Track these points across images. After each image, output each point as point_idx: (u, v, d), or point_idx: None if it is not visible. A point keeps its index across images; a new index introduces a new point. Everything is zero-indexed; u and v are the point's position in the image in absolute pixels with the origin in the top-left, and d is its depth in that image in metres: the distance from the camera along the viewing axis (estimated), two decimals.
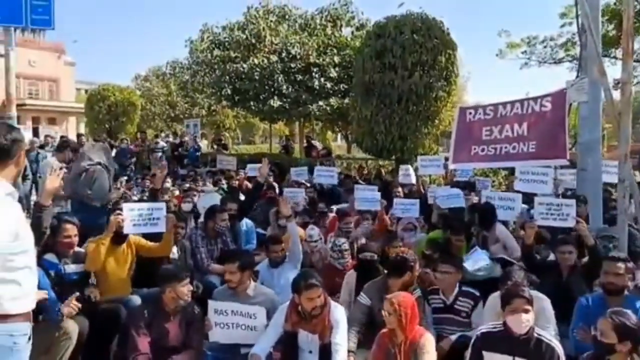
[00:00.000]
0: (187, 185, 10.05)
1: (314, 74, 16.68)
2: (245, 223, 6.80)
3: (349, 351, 3.93)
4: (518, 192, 6.56)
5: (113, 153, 12.36)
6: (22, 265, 2.44)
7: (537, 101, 6.63)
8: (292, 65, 16.59)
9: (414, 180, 9.12)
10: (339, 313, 3.97)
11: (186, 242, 5.81)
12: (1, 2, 7.60)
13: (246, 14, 18.11)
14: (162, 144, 16.40)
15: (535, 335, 3.35)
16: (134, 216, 4.80)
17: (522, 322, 3.30)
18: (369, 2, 18.85)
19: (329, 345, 3.81)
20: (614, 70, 18.74)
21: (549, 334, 3.51)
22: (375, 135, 12.62)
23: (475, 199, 7.47)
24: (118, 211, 4.90)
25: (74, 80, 38.50)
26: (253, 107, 17.52)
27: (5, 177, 2.49)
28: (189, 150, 15.80)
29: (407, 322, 3.54)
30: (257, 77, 16.44)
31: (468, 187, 8.59)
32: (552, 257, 5.15)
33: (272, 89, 16.68)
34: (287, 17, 18.48)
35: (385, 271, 4.73)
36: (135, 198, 8.72)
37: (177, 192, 9.33)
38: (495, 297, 4.02)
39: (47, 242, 4.26)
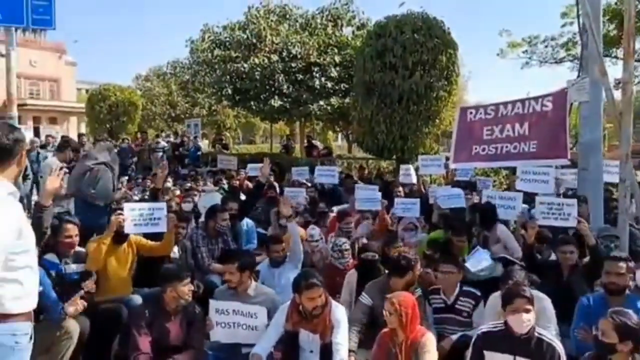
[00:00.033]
0: (188, 185, 10.06)
1: (314, 73, 16.67)
2: (246, 223, 6.80)
3: (349, 351, 3.93)
4: (519, 191, 6.55)
5: None
6: (23, 264, 2.45)
7: (538, 101, 6.64)
8: (293, 64, 16.58)
9: (414, 180, 9.12)
10: (339, 313, 3.97)
11: (187, 241, 5.82)
12: (2, 2, 7.60)
13: (247, 13, 18.11)
14: (163, 143, 16.41)
15: (536, 334, 3.35)
16: (135, 216, 4.81)
17: (523, 322, 3.30)
18: (370, 1, 18.86)
19: (330, 345, 3.81)
20: (615, 70, 18.70)
21: (550, 334, 3.51)
22: (376, 135, 12.62)
23: (476, 199, 7.46)
24: (119, 211, 4.91)
25: (74, 80, 38.53)
26: (254, 107, 17.51)
27: (6, 176, 2.50)
28: (189, 150, 15.82)
29: (408, 322, 3.55)
30: (257, 77, 16.43)
31: (469, 186, 8.58)
32: (553, 256, 5.15)
33: (273, 89, 16.68)
34: (287, 16, 18.46)
35: (386, 271, 4.74)
36: (136, 198, 8.72)
37: (178, 192, 9.33)
38: (496, 297, 4.02)
39: (48, 242, 4.27)
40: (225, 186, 10.00)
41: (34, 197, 10.06)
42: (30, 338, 2.54)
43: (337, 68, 16.72)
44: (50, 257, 4.44)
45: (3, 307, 2.39)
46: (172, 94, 31.60)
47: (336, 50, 16.96)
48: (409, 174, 9.22)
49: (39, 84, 35.09)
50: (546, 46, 18.85)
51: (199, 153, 16.01)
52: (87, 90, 36.08)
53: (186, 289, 3.97)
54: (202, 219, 6.52)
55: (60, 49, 35.46)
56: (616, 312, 3.12)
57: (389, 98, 12.26)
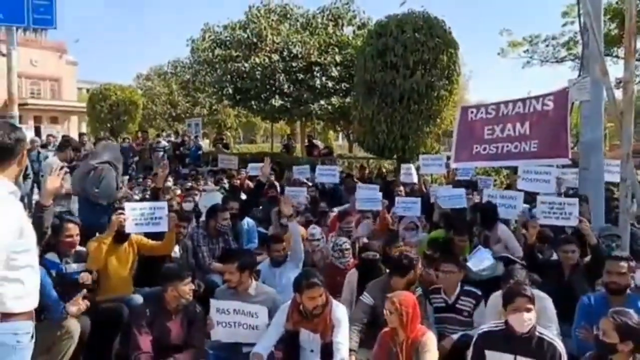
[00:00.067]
0: (189, 184, 10.07)
1: (315, 73, 16.68)
2: (247, 222, 6.80)
3: (350, 350, 3.92)
4: (520, 191, 6.55)
5: None
6: (24, 264, 2.45)
7: (539, 100, 6.63)
8: (294, 64, 16.59)
9: (415, 180, 9.12)
10: (340, 312, 3.97)
11: (188, 241, 5.82)
12: (3, 1, 7.60)
13: (247, 13, 18.12)
14: (163, 143, 16.42)
15: (537, 333, 3.35)
16: (136, 215, 4.81)
17: (524, 321, 3.29)
18: (371, 1, 18.89)
19: (331, 345, 3.81)
20: (616, 69, 18.67)
21: (551, 333, 3.51)
22: (376, 135, 12.62)
23: (477, 198, 7.46)
24: (120, 210, 4.91)
25: (75, 80, 38.56)
26: (254, 107, 17.53)
27: (7, 176, 2.50)
28: (190, 150, 15.83)
29: (409, 321, 3.55)
30: (258, 76, 16.44)
31: (470, 186, 8.58)
32: (554, 256, 5.15)
33: (274, 88, 16.69)
34: (288, 16, 18.47)
35: (387, 270, 4.74)
36: (137, 197, 8.73)
37: (178, 191, 9.34)
38: (497, 296, 4.02)
39: (49, 242, 4.27)
40: (226, 185, 10.00)
41: (35, 197, 10.06)
42: (32, 337, 2.54)
43: (338, 67, 16.73)
44: (51, 256, 4.44)
45: (4, 306, 2.39)
46: (172, 93, 31.64)
47: (337, 50, 16.97)
48: (410, 173, 9.22)
49: (39, 84, 35.12)
50: (547, 45, 18.82)
51: (200, 152, 16.02)
52: (88, 90, 36.11)
53: (187, 288, 3.98)
54: (202, 218, 6.52)
55: (61, 49, 35.49)
56: (617, 312, 3.12)
57: (389, 97, 12.26)
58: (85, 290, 4.15)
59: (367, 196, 7.13)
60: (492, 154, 6.90)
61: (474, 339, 3.55)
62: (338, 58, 16.73)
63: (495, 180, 11.01)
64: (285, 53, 16.71)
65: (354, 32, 18.14)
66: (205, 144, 20.40)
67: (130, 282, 4.97)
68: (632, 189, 5.36)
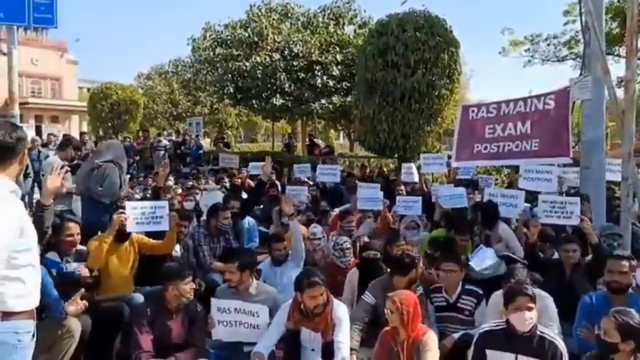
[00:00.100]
0: (190, 183, 10.07)
1: (316, 72, 16.67)
2: (248, 221, 6.80)
3: (351, 349, 3.92)
4: (521, 190, 6.55)
5: None
6: (25, 263, 2.46)
7: (540, 99, 6.62)
8: (295, 63, 16.59)
9: (416, 179, 9.11)
10: (341, 311, 3.97)
11: (189, 240, 5.82)
12: (4, 0, 7.61)
13: (248, 12, 18.12)
14: (164, 142, 16.42)
15: (538, 332, 3.34)
16: (137, 214, 4.81)
17: (525, 320, 3.29)
18: None
19: (332, 344, 3.81)
20: (617, 68, 18.61)
21: (553, 332, 3.50)
22: (377, 134, 12.60)
23: (477, 198, 7.45)
24: (121, 209, 4.91)
25: (76, 79, 38.59)
26: (255, 106, 17.52)
27: (8, 175, 2.51)
28: (191, 149, 15.83)
29: (410, 320, 3.55)
30: (259, 75, 16.44)
31: (471, 185, 8.57)
32: (556, 255, 5.15)
33: (275, 87, 16.68)
34: (289, 15, 18.47)
35: (388, 269, 4.73)
36: (138, 196, 8.73)
37: (179, 190, 9.34)
38: (498, 296, 4.01)
39: (50, 241, 4.27)
40: (227, 185, 10.00)
41: (36, 196, 10.07)
42: (33, 336, 2.55)
43: (339, 66, 16.73)
44: (52, 255, 4.44)
45: (5, 305, 2.39)
46: (173, 92, 31.63)
47: (338, 49, 16.96)
48: (411, 172, 9.21)
49: (40, 83, 35.15)
50: (548, 44, 18.79)
51: (201, 151, 16.01)
52: (88, 89, 36.11)
53: (188, 287, 3.98)
54: (203, 217, 6.52)
55: (61, 48, 35.52)
56: (618, 312, 3.11)
57: (390, 96, 12.24)
58: (83, 290, 4.15)
59: (368, 196, 7.12)
60: (493, 153, 6.89)
61: (475, 338, 3.54)
62: (339, 57, 16.72)
63: (496, 179, 10.98)
64: (286, 52, 16.70)
65: (355, 31, 18.14)
66: (206, 143, 20.40)
67: (131, 281, 4.97)
68: (634, 188, 5.36)
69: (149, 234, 5.14)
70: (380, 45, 12.34)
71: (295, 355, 3.96)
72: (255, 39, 17.12)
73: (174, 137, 18.30)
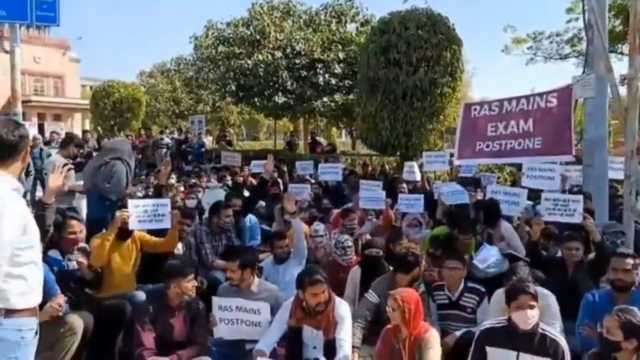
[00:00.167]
0: (192, 181, 10.07)
1: (318, 70, 16.67)
2: (250, 219, 6.80)
3: (353, 347, 3.93)
4: (525, 188, 6.54)
5: None
6: (28, 260, 2.46)
7: (542, 97, 6.60)
8: (297, 61, 16.58)
9: (418, 177, 9.11)
10: (343, 309, 3.97)
11: (191, 238, 5.83)
12: None
13: (250, 10, 18.12)
14: (167, 140, 16.44)
15: (540, 330, 3.34)
16: (139, 212, 4.81)
17: (527, 318, 3.29)
18: None
19: (334, 341, 3.81)
20: (620, 66, 18.58)
21: (554, 330, 3.50)
22: (379, 132, 12.59)
23: (480, 196, 7.44)
24: (123, 208, 4.91)
25: (79, 77, 38.65)
26: (257, 104, 17.53)
27: (11, 172, 2.51)
28: (193, 147, 15.85)
29: (411, 318, 3.54)
30: (261, 73, 16.44)
31: (473, 183, 8.57)
32: (559, 253, 5.14)
33: (277, 85, 16.68)
34: (291, 13, 18.47)
35: (391, 267, 4.73)
36: (140, 194, 8.74)
37: (182, 188, 9.35)
38: (500, 294, 4.00)
39: (52, 239, 4.27)
40: (229, 183, 10.01)
41: (38, 194, 10.09)
42: (36, 333, 2.55)
43: (341, 64, 16.72)
44: (53, 253, 4.45)
45: (9, 303, 2.40)
46: (176, 90, 31.64)
47: (340, 47, 16.95)
48: (412, 171, 9.21)
49: (43, 81, 35.19)
50: (551, 42, 18.78)
51: (203, 149, 16.04)
52: (91, 87, 36.19)
53: (190, 285, 3.98)
54: (206, 215, 6.52)
55: (64, 46, 35.56)
56: (621, 310, 3.11)
57: (393, 94, 12.23)
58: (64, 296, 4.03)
59: (370, 195, 7.11)
60: (496, 150, 6.87)
61: (476, 335, 3.54)
62: (341, 55, 16.71)
63: (498, 177, 10.98)
64: (288, 50, 16.70)
65: (357, 29, 18.13)
66: (208, 141, 20.42)
67: (133, 279, 4.98)
68: (637, 186, 5.35)
69: (151, 232, 5.14)
70: (383, 43, 12.32)
71: (297, 353, 3.96)
72: (258, 37, 17.11)
73: (176, 135, 18.33)
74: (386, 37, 12.31)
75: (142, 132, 18.28)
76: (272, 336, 3.95)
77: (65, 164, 4.48)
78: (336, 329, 3.85)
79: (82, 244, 4.74)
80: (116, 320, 4.42)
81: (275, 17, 17.73)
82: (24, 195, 2.90)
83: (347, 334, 3.87)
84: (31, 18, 7.76)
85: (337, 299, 4.05)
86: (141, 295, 4.67)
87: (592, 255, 4.89)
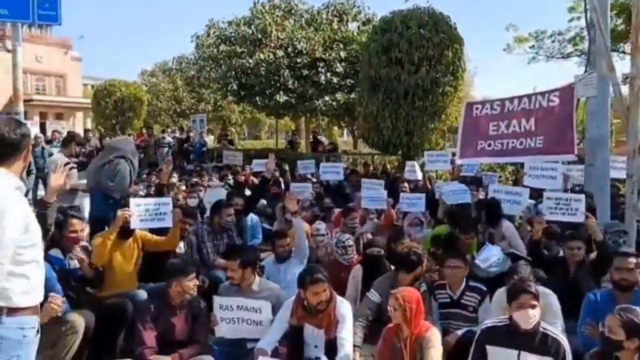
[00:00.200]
0: (194, 180, 10.08)
1: (320, 69, 16.66)
2: (251, 218, 6.81)
3: (354, 346, 3.93)
4: (526, 187, 6.53)
5: None
6: (30, 259, 2.47)
7: (544, 96, 6.59)
8: (298, 60, 16.58)
9: (419, 177, 9.10)
10: (344, 308, 3.97)
11: (192, 237, 5.83)
12: None
13: (252, 9, 18.11)
14: (168, 139, 16.45)
15: (541, 329, 3.34)
16: (141, 211, 4.81)
17: (529, 318, 3.29)
18: None
19: (335, 340, 3.82)
20: (622, 65, 18.55)
21: (556, 329, 3.50)
22: (381, 131, 12.59)
23: (481, 195, 7.43)
24: (126, 206, 4.92)
25: (80, 76, 38.62)
26: (259, 103, 17.53)
27: (13, 171, 2.52)
28: (195, 146, 15.86)
29: (412, 317, 3.54)
30: (263, 72, 16.45)
31: (475, 182, 8.56)
32: (561, 252, 5.13)
33: (278, 84, 16.69)
34: (293, 12, 18.45)
35: (392, 266, 4.73)
36: (141, 193, 8.75)
37: (183, 187, 9.35)
38: (501, 292, 4.00)
39: (53, 237, 4.28)
40: (231, 182, 10.01)
41: (40, 193, 10.11)
42: (37, 332, 2.56)
43: (343, 63, 16.71)
44: (55, 252, 4.45)
45: (11, 301, 2.40)
46: (177, 89, 31.66)
47: (342, 46, 16.95)
48: (413, 170, 9.20)
49: (45, 80, 35.19)
50: (553, 41, 18.76)
51: (205, 149, 16.06)
52: (92, 86, 36.18)
53: (191, 283, 3.99)
54: (207, 214, 6.52)
55: (66, 45, 35.55)
56: (623, 309, 3.10)
57: (394, 93, 12.23)
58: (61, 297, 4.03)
59: (372, 194, 7.10)
60: (497, 150, 6.87)
61: (477, 334, 3.54)
62: (343, 54, 16.70)
63: (500, 177, 10.98)
64: (289, 49, 16.69)
65: (358, 28, 18.12)
66: (210, 140, 20.43)
67: (135, 278, 4.98)
68: (639, 185, 5.34)
69: (152, 231, 5.15)
70: (384, 42, 12.32)
71: (298, 352, 3.96)
72: (259, 36, 17.11)
73: (177, 134, 18.35)
74: (388, 36, 12.31)
75: (144, 131, 18.30)
76: (274, 335, 3.95)
77: (67, 163, 4.49)
78: (337, 328, 3.85)
79: (84, 243, 4.74)
80: (117, 319, 4.42)
81: (277, 16, 17.72)
82: (26, 194, 2.91)
83: (348, 333, 3.87)
84: (33, 17, 7.77)
85: (339, 298, 4.05)
86: (143, 294, 4.68)
87: (593, 255, 4.88)
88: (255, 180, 8.82)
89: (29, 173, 9.44)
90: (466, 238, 5.58)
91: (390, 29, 12.40)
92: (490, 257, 5.02)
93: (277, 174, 9.47)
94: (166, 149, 15.50)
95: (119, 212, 4.79)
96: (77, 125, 32.24)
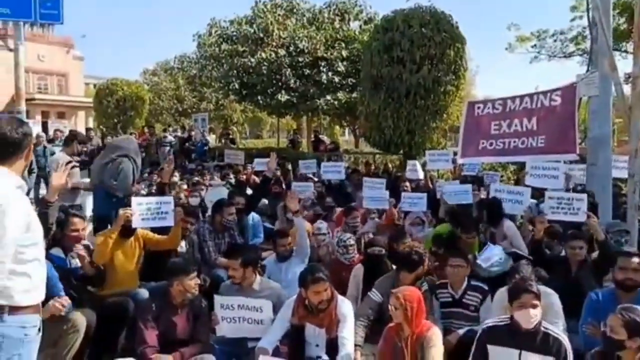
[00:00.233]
0: (195, 179, 10.09)
1: (321, 68, 16.64)
2: (252, 217, 6.81)
3: (355, 345, 3.93)
4: (528, 187, 6.52)
5: None
6: (31, 257, 2.47)
7: (546, 95, 6.59)
8: (300, 59, 16.56)
9: (421, 176, 9.10)
10: (346, 307, 3.97)
11: (194, 236, 5.83)
12: None
13: (254, 8, 18.08)
14: (170, 138, 16.45)
15: (542, 329, 3.34)
16: (143, 210, 4.82)
17: (530, 317, 3.28)
18: None
19: (336, 339, 3.82)
20: (624, 64, 18.59)
21: (557, 329, 3.49)
22: (383, 130, 12.58)
23: (483, 195, 7.43)
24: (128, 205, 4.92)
25: (82, 75, 38.64)
26: (261, 102, 17.53)
27: (15, 170, 2.52)
28: (197, 145, 15.86)
29: (413, 316, 3.54)
30: (264, 71, 16.43)
31: (476, 181, 8.56)
32: (563, 252, 5.12)
33: (280, 83, 16.68)
34: (295, 11, 18.43)
35: (394, 266, 4.72)
36: (143, 192, 8.76)
37: (185, 186, 9.36)
38: (503, 292, 4.00)
39: (55, 236, 4.29)
40: (232, 180, 10.02)
41: (42, 192, 10.12)
42: (39, 330, 2.56)
43: (345, 62, 16.68)
44: (56, 251, 4.46)
45: (13, 300, 2.41)
46: (179, 88, 31.63)
47: (343, 45, 16.92)
48: (415, 169, 9.20)
49: (47, 79, 35.23)
50: (555, 40, 18.74)
51: (206, 148, 16.06)
52: (94, 85, 36.21)
53: (193, 282, 3.99)
54: (208, 213, 6.53)
55: (68, 44, 35.58)
56: (625, 309, 3.10)
57: (396, 92, 12.22)
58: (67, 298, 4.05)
59: (374, 194, 7.10)
60: (499, 149, 6.87)
61: (478, 334, 3.54)
62: (344, 53, 16.68)
63: (502, 176, 10.97)
64: (291, 48, 16.67)
65: (360, 27, 18.08)
66: (211, 139, 20.44)
67: (137, 277, 4.99)
68: None
69: (154, 230, 5.15)
70: (386, 41, 12.31)
71: (299, 351, 3.96)
72: (261, 35, 17.09)
73: (179, 133, 18.35)
74: (389, 35, 12.29)
75: (146, 130, 18.31)
76: (275, 334, 3.95)
77: (69, 162, 4.49)
78: (339, 327, 3.85)
79: (86, 241, 4.75)
80: (119, 317, 4.43)
81: (279, 15, 17.70)
82: (27, 193, 2.92)
83: (349, 332, 3.87)
84: (35, 16, 7.79)
85: (340, 297, 4.05)
86: (144, 293, 4.69)
87: (595, 254, 4.87)
88: (257, 180, 8.83)
89: (30, 172, 9.46)
90: (468, 238, 5.57)
91: (392, 28, 12.39)
92: (492, 256, 5.01)
93: (278, 173, 9.47)
94: (168, 147, 15.50)
95: (121, 211, 4.79)
96: (79, 124, 32.25)
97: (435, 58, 12.10)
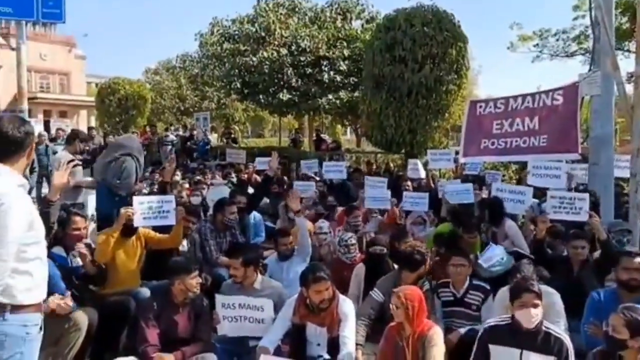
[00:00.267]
0: (197, 178, 10.10)
1: (323, 67, 16.66)
2: (254, 216, 6.81)
3: (357, 344, 3.93)
4: (530, 186, 6.51)
5: None
6: (33, 256, 2.48)
7: (548, 95, 6.58)
8: (302, 58, 16.57)
9: (422, 175, 9.08)
10: (347, 306, 3.97)
11: (195, 235, 5.84)
12: None
13: (256, 7, 18.09)
14: (172, 137, 16.46)
15: (544, 328, 3.33)
16: (144, 209, 4.82)
17: (531, 317, 3.28)
18: None
19: (337, 338, 3.81)
20: (627, 64, 18.55)
21: (558, 328, 3.49)
22: (384, 129, 12.57)
23: (484, 194, 7.42)
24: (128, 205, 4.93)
25: (84, 74, 38.72)
26: (262, 101, 17.54)
27: (17, 169, 2.53)
28: (198, 144, 15.87)
29: (415, 316, 3.54)
30: (266, 71, 16.44)
31: (478, 181, 8.55)
32: (565, 252, 5.11)
33: (282, 83, 16.68)
34: (296, 10, 18.43)
35: (395, 265, 4.72)
36: (145, 191, 8.77)
37: (186, 185, 9.37)
38: (504, 291, 4.00)
39: (56, 235, 4.29)
40: (234, 180, 10.02)
41: (44, 190, 10.12)
42: (40, 329, 2.57)
43: (346, 62, 16.69)
44: (57, 250, 4.46)
45: (15, 299, 2.41)
46: (181, 87, 31.65)
47: (345, 44, 16.92)
48: (416, 168, 9.18)
49: (49, 78, 35.31)
50: (557, 39, 18.71)
51: (208, 147, 16.07)
52: (96, 84, 36.19)
53: (194, 281, 3.98)
54: (210, 212, 6.53)
55: (70, 43, 35.65)
56: (627, 308, 3.09)
57: (398, 92, 12.20)
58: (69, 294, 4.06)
59: (376, 195, 7.09)
60: (501, 148, 6.86)
61: (479, 333, 3.54)
62: (346, 52, 16.68)
63: (503, 176, 10.95)
64: (293, 47, 16.68)
65: (362, 25, 18.09)
66: (213, 138, 20.44)
67: (138, 276, 4.99)
68: None
69: (156, 229, 5.16)
70: (388, 40, 12.30)
71: (300, 350, 3.96)
72: (263, 34, 17.09)
73: (181, 132, 18.35)
74: (391, 34, 12.28)
75: (147, 129, 18.31)
76: (276, 333, 3.95)
77: (71, 160, 4.50)
78: (340, 327, 3.85)
79: (87, 240, 4.75)
80: (120, 316, 4.43)
81: (281, 14, 17.70)
82: (29, 192, 2.92)
83: (350, 332, 3.87)
84: (37, 15, 7.79)
85: (341, 297, 4.05)
86: (145, 292, 4.69)
87: (597, 254, 4.86)
88: (258, 179, 8.83)
89: (32, 170, 9.46)
90: (469, 237, 5.56)
91: (394, 27, 12.38)
92: (494, 256, 5.00)
93: (279, 172, 9.47)
94: (169, 147, 15.50)
95: (122, 210, 4.80)
96: (81, 123, 32.31)
97: (438, 57, 12.08)
